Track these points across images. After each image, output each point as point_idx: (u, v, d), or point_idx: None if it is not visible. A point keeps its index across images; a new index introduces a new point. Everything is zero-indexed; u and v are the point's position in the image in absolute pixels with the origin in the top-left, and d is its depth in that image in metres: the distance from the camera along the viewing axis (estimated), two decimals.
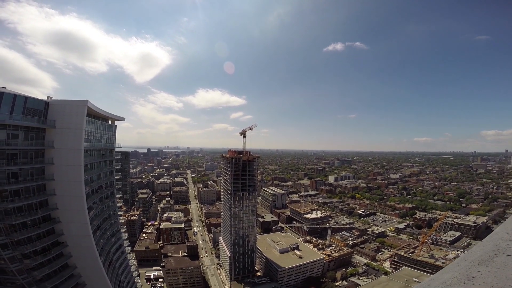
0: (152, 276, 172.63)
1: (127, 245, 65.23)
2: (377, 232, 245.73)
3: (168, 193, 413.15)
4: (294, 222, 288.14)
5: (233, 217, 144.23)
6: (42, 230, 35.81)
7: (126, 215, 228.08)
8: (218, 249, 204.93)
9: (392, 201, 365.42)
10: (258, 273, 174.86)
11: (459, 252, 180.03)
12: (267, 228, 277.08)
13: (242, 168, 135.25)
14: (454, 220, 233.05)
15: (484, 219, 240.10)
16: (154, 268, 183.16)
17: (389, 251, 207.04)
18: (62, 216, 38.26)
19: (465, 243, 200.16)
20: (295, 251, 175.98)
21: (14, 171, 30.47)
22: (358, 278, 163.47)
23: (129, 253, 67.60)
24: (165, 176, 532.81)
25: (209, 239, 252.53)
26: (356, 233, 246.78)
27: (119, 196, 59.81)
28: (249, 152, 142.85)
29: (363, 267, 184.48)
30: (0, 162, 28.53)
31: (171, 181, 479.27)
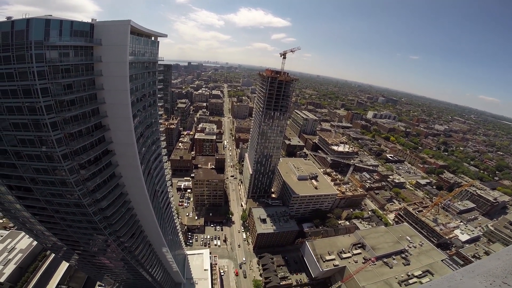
0: (182, 186, 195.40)
1: (164, 153, 69.66)
2: (397, 181, 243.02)
3: (204, 104, 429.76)
4: (319, 151, 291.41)
5: (260, 135, 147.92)
6: (95, 138, 39.85)
7: (166, 123, 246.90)
8: (243, 165, 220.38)
9: (425, 153, 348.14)
10: (273, 195, 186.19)
11: (461, 222, 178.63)
12: (291, 152, 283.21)
13: (278, 88, 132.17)
14: (477, 191, 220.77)
15: (506, 198, 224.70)
16: (185, 178, 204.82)
17: (400, 204, 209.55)
18: (111, 123, 41.99)
19: (472, 216, 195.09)
20: (313, 180, 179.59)
21: (69, 83, 33.67)
22: (361, 222, 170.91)
23: (166, 162, 72.68)
24: (203, 88, 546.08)
25: (236, 154, 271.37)
26: (377, 177, 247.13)
27: (160, 104, 61.89)
28: (287, 73, 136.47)
29: (369, 212, 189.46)
30: (56, 76, 31.34)
31: (208, 93, 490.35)
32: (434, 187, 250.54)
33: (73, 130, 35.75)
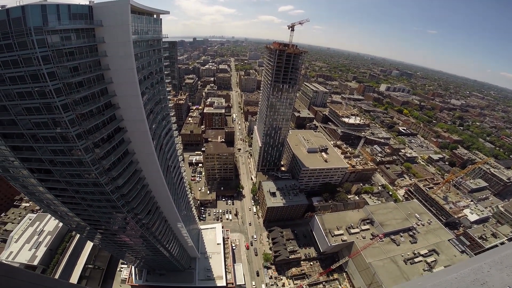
0: (194, 161, 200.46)
1: (174, 128, 70.86)
2: (408, 155, 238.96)
3: (212, 79, 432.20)
4: (330, 123, 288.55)
5: (269, 108, 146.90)
6: (106, 116, 40.74)
7: (175, 99, 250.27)
8: (252, 138, 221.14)
9: (439, 127, 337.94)
10: (283, 168, 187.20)
11: (471, 202, 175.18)
12: (301, 124, 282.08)
13: (286, 60, 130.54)
14: (491, 169, 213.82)
15: None
16: (196, 152, 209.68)
17: (410, 179, 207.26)
18: (120, 102, 42.64)
19: (484, 196, 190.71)
20: (323, 153, 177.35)
21: (74, 65, 33.67)
22: (370, 197, 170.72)
23: (176, 136, 73.97)
24: (210, 63, 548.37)
25: (245, 127, 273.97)
26: (388, 150, 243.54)
27: (168, 81, 61.74)
28: (296, 46, 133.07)
29: (379, 187, 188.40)
30: (60, 60, 31.23)
31: (215, 67, 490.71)
32: (446, 163, 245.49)
33: (84, 111, 36.39)
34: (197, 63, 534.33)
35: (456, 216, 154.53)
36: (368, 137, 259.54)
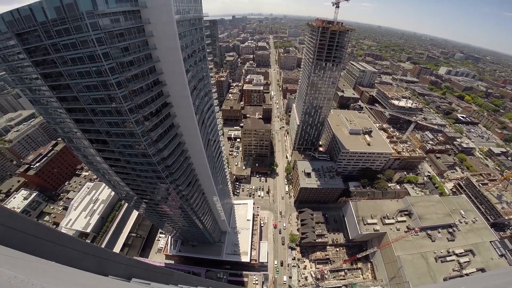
0: (232, 136, 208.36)
1: (216, 104, 73.98)
2: (464, 145, 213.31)
3: (251, 56, 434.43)
4: (376, 105, 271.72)
5: (310, 86, 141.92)
6: (154, 93, 44.33)
7: (216, 76, 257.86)
8: (290, 115, 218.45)
9: (507, 117, 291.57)
10: (321, 149, 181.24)
11: None
12: (344, 104, 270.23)
13: (330, 38, 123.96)
14: None
15: None
16: (234, 127, 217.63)
17: (463, 173, 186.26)
18: (167, 79, 45.80)
19: None
20: (366, 136, 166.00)
21: (125, 46, 36.44)
22: (413, 188, 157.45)
23: (217, 112, 77.26)
24: (249, 40, 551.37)
25: (283, 104, 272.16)
26: (441, 138, 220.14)
27: (210, 59, 64.11)
28: (341, 23, 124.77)
29: (425, 178, 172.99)
30: (112, 41, 33.93)
31: (254, 45, 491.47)
32: (509, 158, 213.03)
33: (135, 87, 39.72)
34: (236, 41, 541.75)
35: (507, 217, 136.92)
36: (420, 122, 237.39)
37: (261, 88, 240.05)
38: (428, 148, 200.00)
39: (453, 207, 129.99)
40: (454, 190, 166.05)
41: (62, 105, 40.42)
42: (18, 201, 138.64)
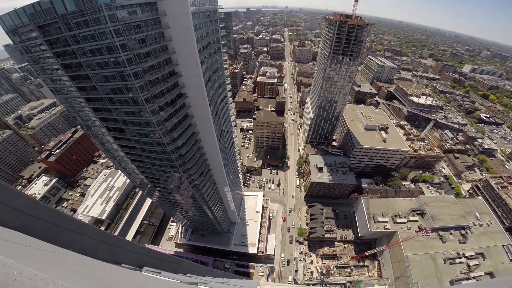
0: (245, 127, 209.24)
1: (229, 96, 74.78)
2: (486, 146, 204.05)
3: (265, 48, 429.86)
4: (394, 101, 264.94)
5: (325, 80, 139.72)
6: (170, 83, 45.22)
7: (230, 68, 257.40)
8: (303, 109, 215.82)
9: None
10: (334, 143, 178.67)
11: None
12: (360, 98, 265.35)
13: (348, 32, 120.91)
14: None
15: None
16: (247, 119, 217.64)
17: (482, 174, 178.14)
18: (182, 70, 46.48)
19: None
20: (382, 132, 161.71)
21: (142, 37, 37.17)
22: (428, 187, 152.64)
23: (231, 103, 77.98)
24: (263, 33, 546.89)
25: (297, 97, 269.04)
26: (461, 138, 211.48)
27: (224, 51, 64.46)
28: (360, 17, 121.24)
29: (441, 178, 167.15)
30: (130, 32, 34.64)
31: (268, 38, 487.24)
32: None
33: (151, 78, 40.60)
34: (251, 33, 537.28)
35: None
36: (440, 120, 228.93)
37: (275, 80, 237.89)
38: (446, 147, 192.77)
39: (468, 209, 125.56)
40: (471, 191, 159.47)
41: (81, 95, 41.87)
42: (39, 187, 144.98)
